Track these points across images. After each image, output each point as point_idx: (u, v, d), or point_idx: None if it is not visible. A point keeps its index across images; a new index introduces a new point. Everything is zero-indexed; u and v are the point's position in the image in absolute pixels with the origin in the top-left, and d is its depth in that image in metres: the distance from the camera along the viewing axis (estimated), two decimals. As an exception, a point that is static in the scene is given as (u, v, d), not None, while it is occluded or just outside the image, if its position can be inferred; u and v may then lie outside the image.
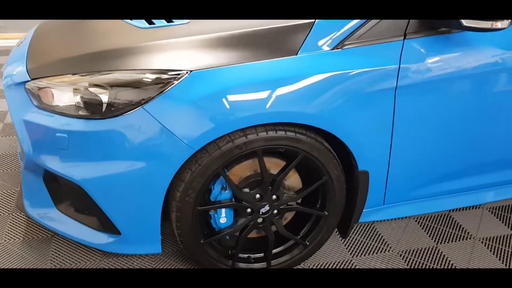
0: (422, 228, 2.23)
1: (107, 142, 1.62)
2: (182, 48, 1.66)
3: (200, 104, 1.58)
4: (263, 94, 1.59)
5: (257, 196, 1.79)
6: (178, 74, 1.58)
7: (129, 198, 1.67)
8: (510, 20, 1.60)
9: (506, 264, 2.04)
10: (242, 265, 1.89)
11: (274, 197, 1.81)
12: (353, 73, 1.66)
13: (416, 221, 2.28)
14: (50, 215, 1.91)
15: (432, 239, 2.17)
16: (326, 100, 1.65)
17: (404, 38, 1.71)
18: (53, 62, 1.78)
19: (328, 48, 1.66)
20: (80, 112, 1.65)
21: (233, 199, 1.80)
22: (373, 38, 1.69)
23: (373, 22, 1.68)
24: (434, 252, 2.09)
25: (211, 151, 1.63)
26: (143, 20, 1.88)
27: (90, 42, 1.84)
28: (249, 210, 1.80)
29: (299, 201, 1.90)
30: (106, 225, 1.76)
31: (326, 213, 1.88)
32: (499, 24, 1.57)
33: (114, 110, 1.60)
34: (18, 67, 1.86)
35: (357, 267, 1.99)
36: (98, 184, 1.66)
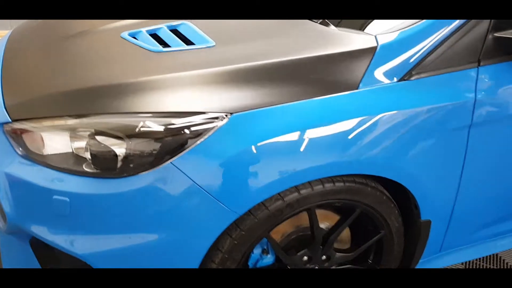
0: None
1: (124, 208, 1.25)
2: (214, 81, 1.31)
3: (244, 156, 1.23)
4: (322, 141, 1.27)
5: (305, 258, 1.47)
6: (215, 119, 1.23)
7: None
8: None
9: None
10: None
11: (324, 257, 1.50)
12: (424, 109, 1.36)
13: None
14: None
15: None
16: (393, 144, 1.35)
17: (478, 65, 1.42)
18: (41, 97, 1.38)
19: (393, 80, 1.35)
20: (85, 168, 1.27)
21: (276, 263, 1.47)
22: (444, 66, 1.39)
23: (444, 47, 1.38)
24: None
25: (257, 213, 1.29)
26: (154, 41, 1.50)
27: (87, 68, 1.44)
28: (294, 274, 1.47)
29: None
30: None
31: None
32: None
33: (133, 166, 1.23)
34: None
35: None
36: (111, 260, 1.29)
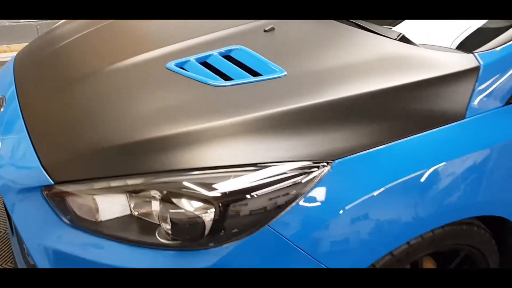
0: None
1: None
2: (304, 121, 1.09)
3: (355, 210, 1.03)
4: (439, 183, 1.08)
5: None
6: (316, 168, 1.02)
7: None
8: None
9: None
10: None
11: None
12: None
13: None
14: None
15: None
16: (504, 178, 1.18)
17: None
18: (88, 152, 1.13)
19: (499, 104, 1.18)
20: (159, 238, 1.04)
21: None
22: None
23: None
24: None
25: (364, 273, 1.09)
26: (210, 73, 1.27)
27: (144, 116, 1.20)
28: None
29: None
30: None
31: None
32: None
33: (223, 235, 1.01)
34: (20, 161, 1.19)
35: None
36: None
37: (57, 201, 1.11)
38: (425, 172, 1.07)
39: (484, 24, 1.38)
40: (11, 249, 1.68)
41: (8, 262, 1.87)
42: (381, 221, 1.04)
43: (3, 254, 1.93)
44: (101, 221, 1.09)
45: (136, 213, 1.08)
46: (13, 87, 1.45)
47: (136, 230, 1.07)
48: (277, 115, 1.10)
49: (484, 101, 1.16)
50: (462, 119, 1.13)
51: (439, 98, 1.14)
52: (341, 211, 1.02)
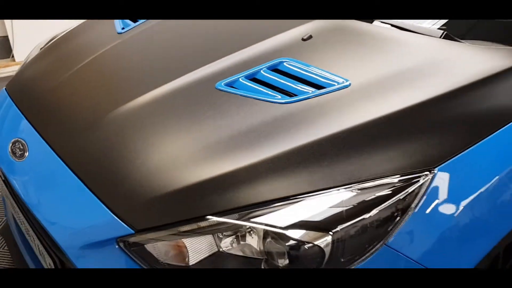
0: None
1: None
2: (388, 132, 1.07)
3: (463, 215, 1.02)
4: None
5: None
6: (418, 178, 1.00)
7: None
8: None
9: None
10: None
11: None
12: None
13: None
14: None
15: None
16: None
17: None
18: (165, 195, 1.02)
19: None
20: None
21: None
22: None
23: None
24: None
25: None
26: (271, 91, 1.20)
27: (203, 147, 1.11)
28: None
29: None
30: None
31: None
32: None
33: (343, 261, 0.96)
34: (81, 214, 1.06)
35: None
36: None
37: (136, 250, 1.00)
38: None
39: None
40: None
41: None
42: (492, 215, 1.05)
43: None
44: (191, 265, 1.00)
45: (225, 249, 1.00)
46: (31, 129, 1.28)
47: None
48: (363, 128, 1.06)
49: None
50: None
51: (506, 93, 1.17)
52: (455, 214, 1.00)
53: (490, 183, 1.04)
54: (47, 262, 1.22)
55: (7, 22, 4.07)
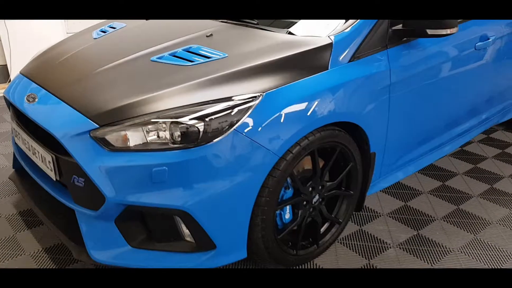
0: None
1: (206, 166, 1.83)
2: (244, 76, 1.97)
3: (277, 118, 1.90)
4: (321, 101, 2.00)
5: (310, 189, 2.18)
6: (256, 97, 1.89)
7: (226, 212, 1.90)
8: (457, 27, 2.32)
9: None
10: (301, 252, 2.23)
11: (320, 187, 2.22)
12: (366, 77, 2.18)
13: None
14: (125, 255, 1.96)
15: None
16: (352, 100, 2.14)
17: (386, 48, 2.30)
18: (119, 106, 1.89)
19: (346, 62, 2.15)
20: (170, 145, 1.82)
21: (294, 196, 2.15)
22: (370, 50, 2.24)
23: (368, 37, 2.22)
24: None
25: (286, 156, 1.97)
26: (181, 59, 2.11)
27: (144, 82, 2.02)
28: (305, 202, 2.17)
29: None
30: (201, 244, 1.93)
31: (352, 192, 2.36)
32: (453, 30, 2.27)
33: (210, 136, 1.82)
34: (68, 117, 1.93)
35: None
36: (201, 206, 1.85)
37: (100, 139, 1.85)
38: (313, 94, 1.98)
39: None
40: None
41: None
42: (295, 120, 1.93)
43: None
44: (130, 146, 1.85)
45: (150, 139, 1.85)
46: (37, 86, 2.16)
47: (159, 145, 1.85)
48: (233, 73, 1.96)
49: (337, 60, 2.13)
50: (327, 70, 2.08)
51: (312, 59, 2.08)
52: (272, 116, 1.89)
53: (293, 104, 1.94)
54: (47, 161, 2.06)
55: (6, 52, 4.98)
